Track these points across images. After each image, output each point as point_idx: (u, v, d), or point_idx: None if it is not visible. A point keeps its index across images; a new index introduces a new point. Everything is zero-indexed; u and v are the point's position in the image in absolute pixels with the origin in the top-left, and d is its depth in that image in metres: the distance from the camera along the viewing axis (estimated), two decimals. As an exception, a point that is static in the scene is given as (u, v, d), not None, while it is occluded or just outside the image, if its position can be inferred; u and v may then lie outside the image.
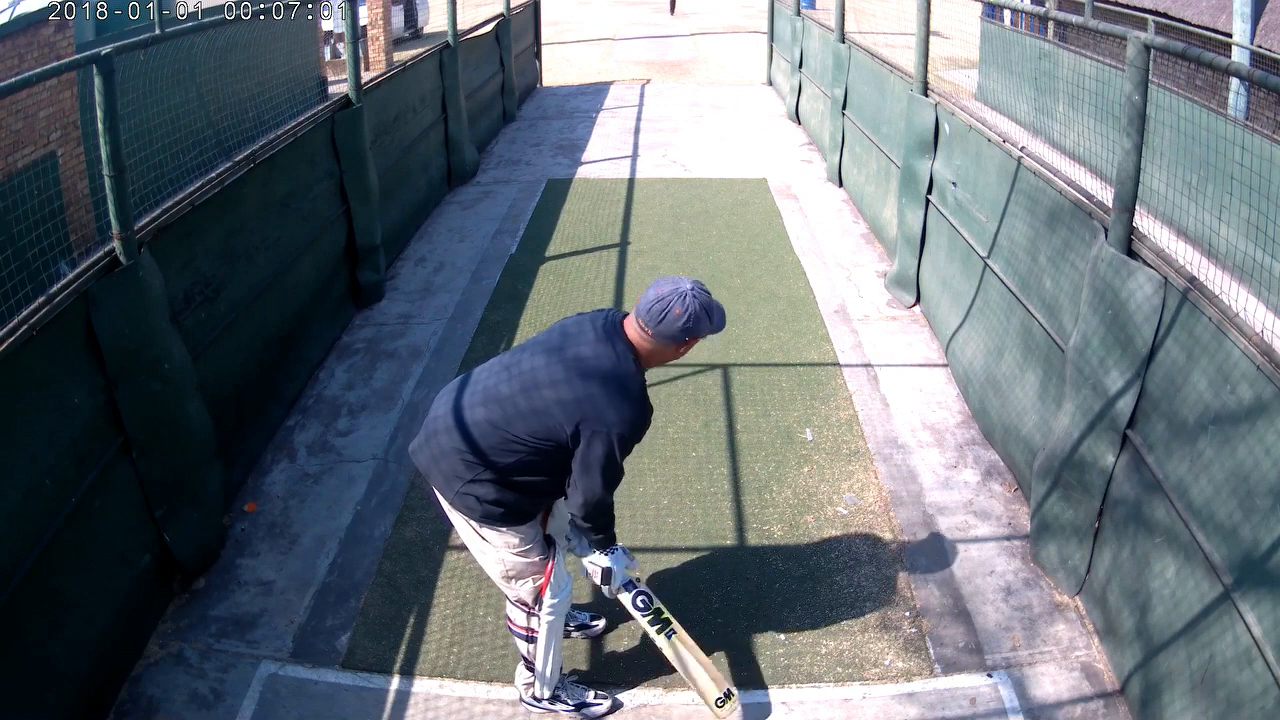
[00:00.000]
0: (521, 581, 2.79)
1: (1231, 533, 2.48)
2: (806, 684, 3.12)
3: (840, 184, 8.39)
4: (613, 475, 2.56)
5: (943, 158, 5.32)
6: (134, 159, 3.55)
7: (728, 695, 2.90)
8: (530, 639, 2.87)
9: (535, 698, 2.99)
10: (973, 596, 3.48)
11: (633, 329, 2.56)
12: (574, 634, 3.28)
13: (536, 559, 2.77)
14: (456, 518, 2.72)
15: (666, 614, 2.94)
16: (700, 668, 2.91)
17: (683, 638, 2.93)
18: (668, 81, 14.79)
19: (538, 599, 2.81)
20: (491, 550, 2.72)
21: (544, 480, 2.63)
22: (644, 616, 2.90)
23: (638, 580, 2.95)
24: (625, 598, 2.89)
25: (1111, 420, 3.13)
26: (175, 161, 4.23)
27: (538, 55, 13.97)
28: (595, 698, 3.03)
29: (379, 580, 3.58)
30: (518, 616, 2.86)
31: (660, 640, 2.91)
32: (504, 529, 2.67)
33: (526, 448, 2.53)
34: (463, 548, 3.69)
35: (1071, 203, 3.60)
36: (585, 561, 2.87)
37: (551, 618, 2.83)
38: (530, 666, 2.93)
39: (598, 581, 2.85)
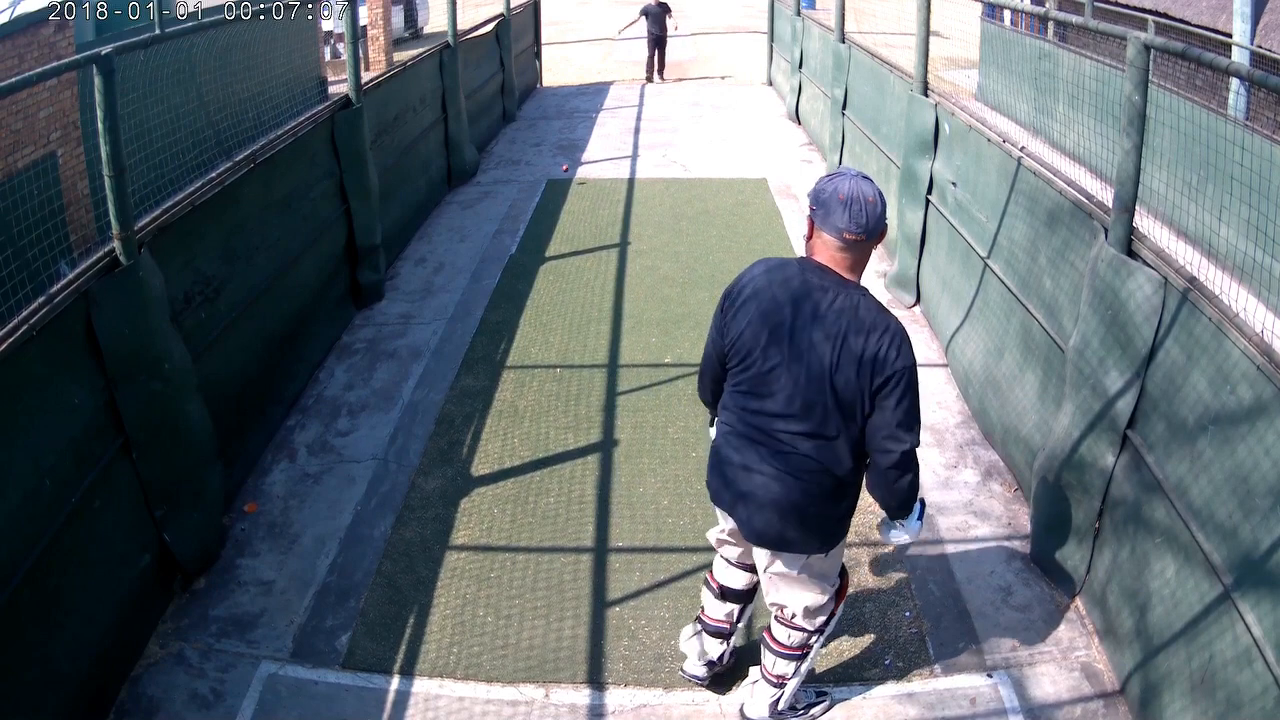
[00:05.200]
0: (829, 598, 2.67)
1: (1231, 533, 2.48)
2: (806, 684, 3.11)
3: (840, 184, 8.37)
4: (919, 408, 2.33)
5: (942, 158, 5.32)
6: (134, 159, 3.55)
7: None
8: (804, 655, 2.75)
9: (793, 708, 2.90)
10: (973, 596, 3.48)
11: (833, 251, 2.28)
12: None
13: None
14: (797, 557, 2.52)
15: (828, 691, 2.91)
16: None
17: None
18: (668, 81, 14.79)
19: (832, 615, 2.73)
20: (829, 574, 2.61)
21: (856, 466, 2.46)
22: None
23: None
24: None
25: (1111, 420, 3.13)
26: (175, 161, 4.23)
27: (538, 55, 13.98)
28: (817, 695, 3.00)
29: (379, 580, 3.58)
30: (796, 638, 2.71)
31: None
32: (839, 544, 2.54)
33: (846, 440, 2.35)
34: (463, 547, 3.71)
35: (1071, 203, 3.60)
36: (890, 537, 2.63)
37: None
38: (781, 681, 2.79)
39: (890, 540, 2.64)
